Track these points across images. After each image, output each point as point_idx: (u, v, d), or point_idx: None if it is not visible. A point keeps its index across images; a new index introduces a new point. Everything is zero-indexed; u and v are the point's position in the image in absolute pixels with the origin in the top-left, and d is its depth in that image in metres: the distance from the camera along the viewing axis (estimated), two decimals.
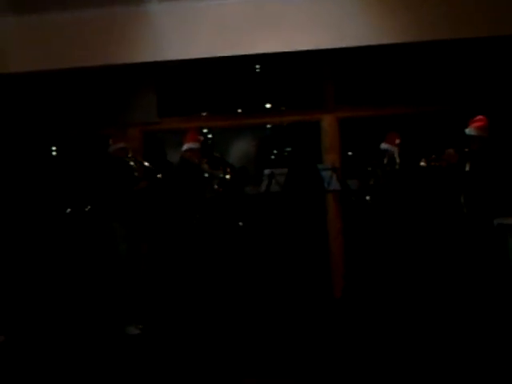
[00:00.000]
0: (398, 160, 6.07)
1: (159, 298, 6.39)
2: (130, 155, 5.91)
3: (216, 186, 6.12)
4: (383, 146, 6.18)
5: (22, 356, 5.17)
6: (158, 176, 5.88)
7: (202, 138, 6.47)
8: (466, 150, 5.50)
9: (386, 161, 6.18)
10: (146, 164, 5.95)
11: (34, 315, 6.28)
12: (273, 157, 8.11)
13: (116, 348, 5.27)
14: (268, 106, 7.38)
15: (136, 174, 5.86)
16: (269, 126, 7.76)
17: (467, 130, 5.48)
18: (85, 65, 6.03)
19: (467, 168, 5.47)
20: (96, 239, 6.31)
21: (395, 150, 6.10)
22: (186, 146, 6.13)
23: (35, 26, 5.97)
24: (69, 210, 7.47)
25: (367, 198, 6.25)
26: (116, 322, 5.66)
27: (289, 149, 8.05)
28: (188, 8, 5.91)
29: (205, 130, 7.33)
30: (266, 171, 6.36)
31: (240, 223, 6.36)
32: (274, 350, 4.98)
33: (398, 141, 6.13)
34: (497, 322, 5.01)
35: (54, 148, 7.65)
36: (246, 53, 5.95)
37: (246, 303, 6.44)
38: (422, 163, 5.74)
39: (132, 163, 5.88)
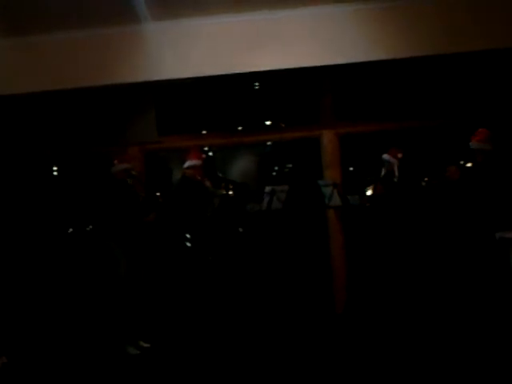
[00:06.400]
0: (396, 173, 6.11)
1: (160, 316, 6.35)
2: (133, 173, 5.89)
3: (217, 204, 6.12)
4: (385, 156, 6.23)
5: (23, 377, 5.14)
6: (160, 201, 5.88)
7: (203, 155, 6.47)
8: (469, 165, 5.52)
9: (383, 171, 6.21)
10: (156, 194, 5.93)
11: (35, 335, 6.24)
12: (274, 173, 8.11)
13: (116, 369, 5.23)
14: (268, 123, 7.39)
15: (137, 195, 5.84)
16: (269, 143, 7.77)
17: (471, 144, 5.51)
18: (79, 85, 6.01)
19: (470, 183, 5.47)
20: (94, 258, 6.29)
21: (395, 162, 6.15)
22: (187, 164, 6.14)
23: (30, 48, 5.95)
24: (71, 229, 7.48)
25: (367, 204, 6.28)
26: (116, 342, 5.62)
27: (289, 165, 8.06)
28: (182, 27, 5.90)
29: (205, 148, 7.33)
30: (267, 188, 6.36)
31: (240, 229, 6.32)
32: (276, 366, 4.92)
33: (399, 155, 6.18)
34: (501, 335, 4.97)
35: (54, 168, 7.67)
36: (242, 71, 5.94)
37: (247, 319, 6.39)
38: (423, 183, 5.77)
39: (133, 185, 5.84)
